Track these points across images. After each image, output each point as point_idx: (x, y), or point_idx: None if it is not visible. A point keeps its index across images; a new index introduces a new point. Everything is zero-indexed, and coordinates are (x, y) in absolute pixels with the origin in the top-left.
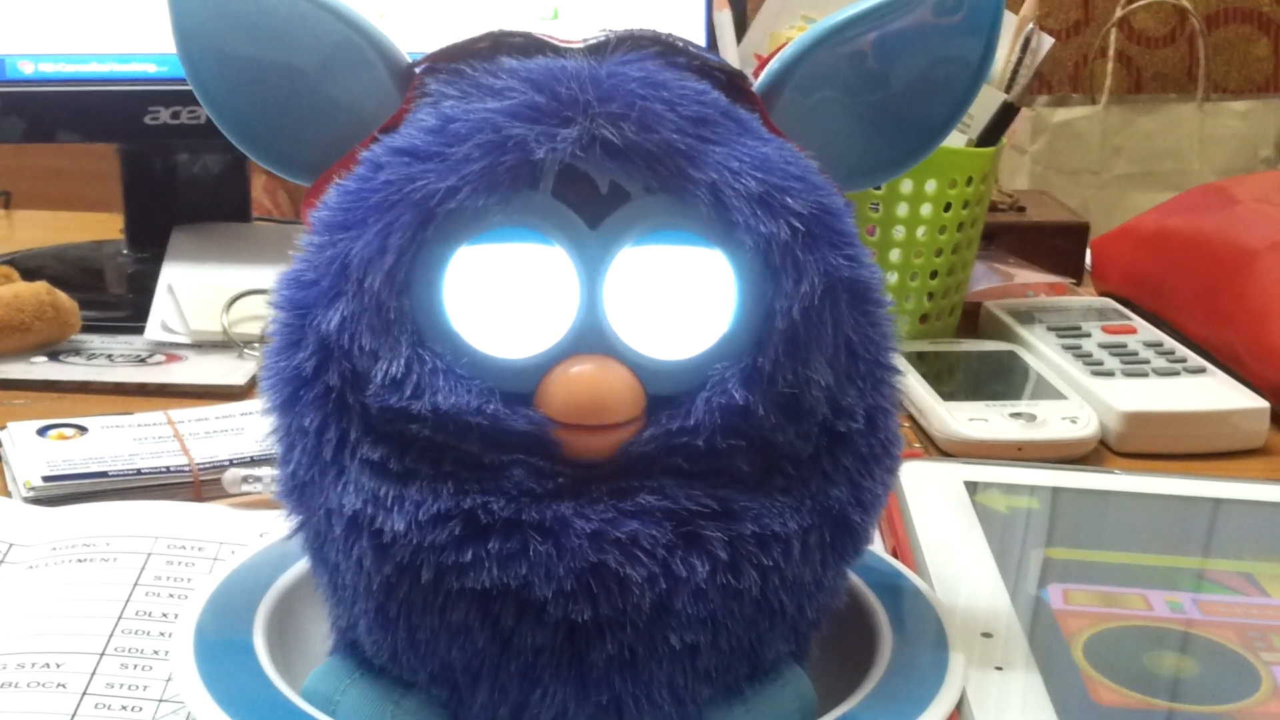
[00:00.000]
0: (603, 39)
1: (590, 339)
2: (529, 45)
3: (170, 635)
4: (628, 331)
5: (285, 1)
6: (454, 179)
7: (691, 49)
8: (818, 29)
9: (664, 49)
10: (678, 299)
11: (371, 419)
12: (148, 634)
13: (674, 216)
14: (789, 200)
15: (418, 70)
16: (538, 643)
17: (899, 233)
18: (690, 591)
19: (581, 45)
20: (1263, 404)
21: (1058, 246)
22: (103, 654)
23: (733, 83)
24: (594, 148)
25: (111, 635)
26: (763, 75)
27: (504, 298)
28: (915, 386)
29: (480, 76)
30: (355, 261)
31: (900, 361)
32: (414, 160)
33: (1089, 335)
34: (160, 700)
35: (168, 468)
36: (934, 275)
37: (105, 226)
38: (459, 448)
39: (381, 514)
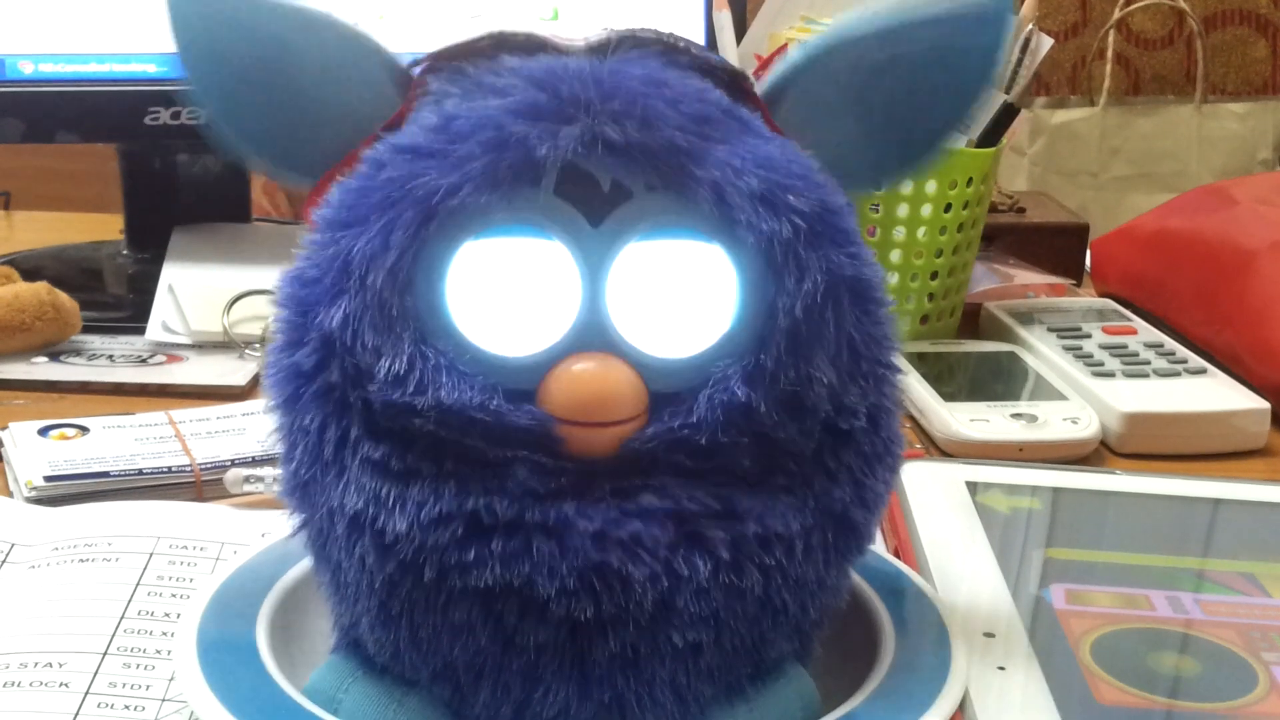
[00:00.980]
0: (604, 38)
1: (592, 336)
2: (531, 44)
3: (173, 635)
4: (630, 329)
5: (282, 10)
6: (456, 176)
7: (694, 49)
8: (830, 39)
9: (666, 48)
10: (680, 296)
11: (374, 417)
12: (150, 633)
13: (676, 214)
14: (791, 198)
15: (419, 70)
16: (540, 640)
17: (899, 233)
18: (693, 591)
19: (583, 44)
20: (1263, 404)
21: (1057, 247)
22: (105, 653)
23: (735, 83)
24: (596, 146)
25: (114, 635)
26: (767, 79)
27: (506, 295)
28: (916, 387)
29: (482, 75)
30: (357, 258)
31: (901, 361)
32: (416, 157)
33: (1089, 336)
34: (163, 700)
35: (169, 468)
36: (934, 276)
37: (105, 227)
38: (461, 443)
39: (383, 514)
